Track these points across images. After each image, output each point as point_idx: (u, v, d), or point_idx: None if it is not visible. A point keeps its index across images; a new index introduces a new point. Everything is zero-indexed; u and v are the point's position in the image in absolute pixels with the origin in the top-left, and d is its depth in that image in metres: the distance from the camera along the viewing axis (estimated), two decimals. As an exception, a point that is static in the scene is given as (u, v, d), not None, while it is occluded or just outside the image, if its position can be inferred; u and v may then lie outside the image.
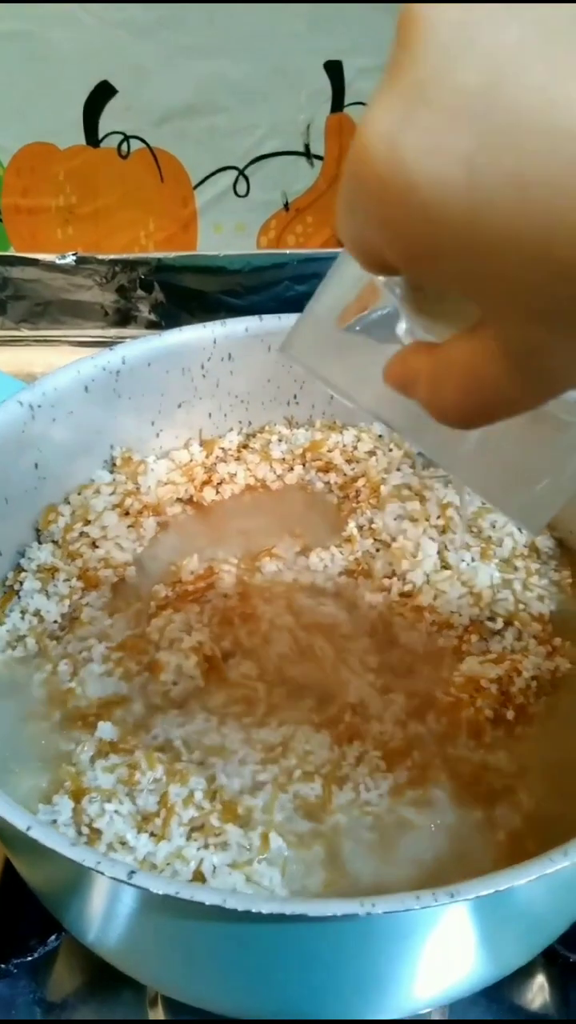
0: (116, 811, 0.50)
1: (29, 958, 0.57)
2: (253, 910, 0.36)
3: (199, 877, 0.47)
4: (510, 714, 0.56)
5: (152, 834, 0.49)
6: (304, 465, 0.74)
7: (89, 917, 0.48)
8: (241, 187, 0.98)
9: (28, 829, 0.40)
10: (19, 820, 0.41)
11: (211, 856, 0.48)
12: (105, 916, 0.46)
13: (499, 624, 0.61)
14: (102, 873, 0.38)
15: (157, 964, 0.49)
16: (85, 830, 0.49)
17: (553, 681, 0.58)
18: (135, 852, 0.48)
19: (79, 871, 0.39)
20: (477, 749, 0.55)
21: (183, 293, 0.95)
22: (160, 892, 0.37)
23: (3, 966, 0.56)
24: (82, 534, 0.66)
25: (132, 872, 0.38)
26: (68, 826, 0.50)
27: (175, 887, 0.37)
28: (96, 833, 0.49)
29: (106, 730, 0.55)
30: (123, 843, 0.48)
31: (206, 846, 0.48)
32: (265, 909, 0.36)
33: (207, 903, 0.37)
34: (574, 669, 0.59)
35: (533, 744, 0.55)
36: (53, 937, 0.57)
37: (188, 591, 0.63)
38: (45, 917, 0.53)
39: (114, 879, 0.38)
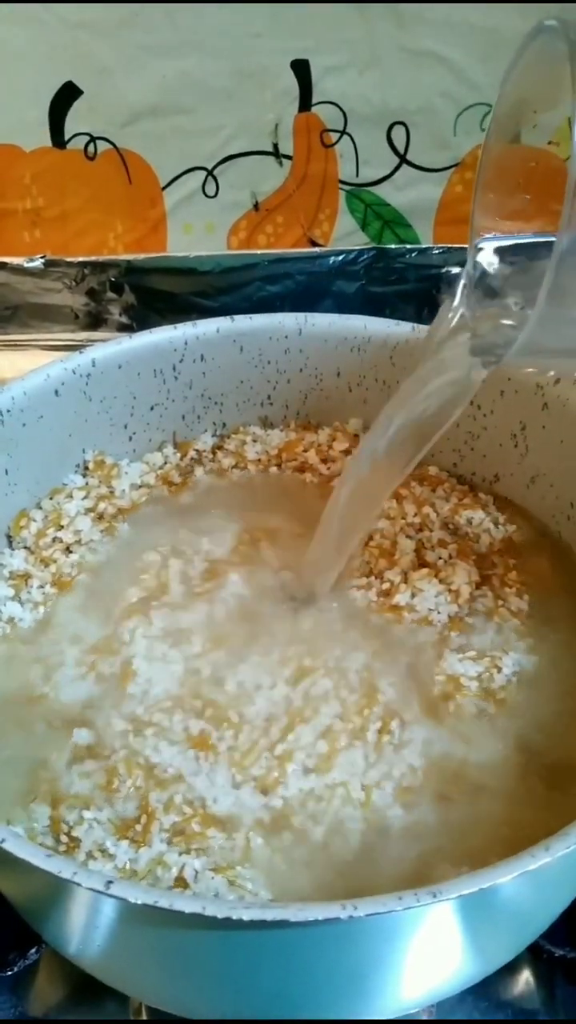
0: (95, 818, 0.49)
1: (9, 972, 0.56)
2: (233, 917, 0.35)
3: (181, 883, 0.47)
4: (492, 710, 0.56)
5: (132, 840, 0.48)
6: (279, 466, 0.73)
7: (68, 929, 0.47)
8: (210, 187, 0.97)
9: (2, 841, 0.39)
10: (-8, 832, 0.40)
11: (193, 861, 0.47)
12: (84, 927, 0.45)
13: (478, 620, 0.60)
14: (79, 884, 0.37)
15: (139, 974, 0.48)
16: (64, 838, 0.49)
17: (535, 676, 0.58)
18: (115, 860, 0.47)
19: (56, 882, 0.38)
20: (460, 745, 0.54)
21: (154, 295, 0.94)
22: (139, 902, 0.37)
23: (-17, 981, 0.55)
24: (55, 539, 0.65)
25: (110, 882, 0.37)
26: (46, 834, 0.49)
27: (154, 896, 0.37)
28: (75, 841, 0.48)
29: (82, 735, 0.54)
30: (103, 851, 0.48)
31: (188, 851, 0.48)
32: (246, 916, 0.36)
33: (187, 911, 0.36)
34: (555, 663, 0.59)
35: (515, 740, 0.55)
36: (33, 950, 0.56)
37: (164, 594, 0.63)
38: (24, 930, 0.52)
39: (91, 890, 0.37)
